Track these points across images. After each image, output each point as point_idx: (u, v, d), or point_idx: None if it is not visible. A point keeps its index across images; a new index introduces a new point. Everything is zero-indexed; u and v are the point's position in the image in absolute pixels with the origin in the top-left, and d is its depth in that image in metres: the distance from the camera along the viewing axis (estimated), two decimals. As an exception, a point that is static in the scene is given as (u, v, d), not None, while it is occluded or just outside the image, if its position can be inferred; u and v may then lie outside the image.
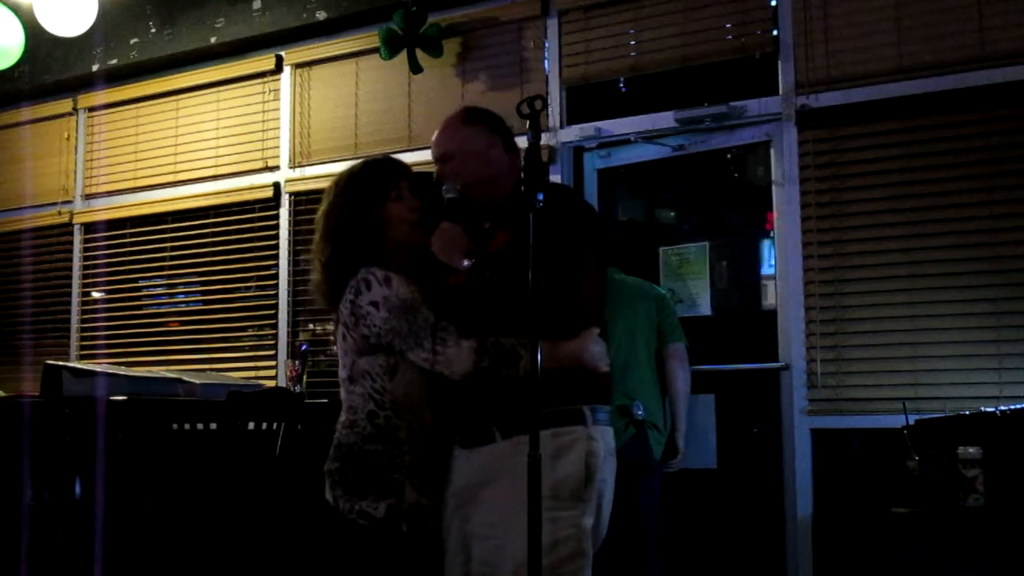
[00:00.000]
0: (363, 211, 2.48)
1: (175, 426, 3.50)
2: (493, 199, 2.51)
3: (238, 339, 5.50)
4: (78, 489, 3.45)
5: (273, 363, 5.30)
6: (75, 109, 6.11)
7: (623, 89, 4.70)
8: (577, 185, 4.70)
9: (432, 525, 2.39)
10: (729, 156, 4.66)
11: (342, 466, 2.42)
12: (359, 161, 2.65)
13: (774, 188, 4.26)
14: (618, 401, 3.77)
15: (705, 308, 4.41)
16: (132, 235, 5.86)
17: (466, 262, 2.37)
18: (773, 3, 4.28)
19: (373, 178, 2.53)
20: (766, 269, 4.45)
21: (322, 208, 2.57)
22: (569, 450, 2.28)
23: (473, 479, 2.35)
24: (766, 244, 4.44)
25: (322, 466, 2.48)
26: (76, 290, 5.98)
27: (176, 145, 5.78)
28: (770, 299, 4.37)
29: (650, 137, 4.52)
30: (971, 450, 3.17)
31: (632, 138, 4.55)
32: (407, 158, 4.75)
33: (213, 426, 3.55)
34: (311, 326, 5.31)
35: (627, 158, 4.68)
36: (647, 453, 3.81)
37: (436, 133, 2.58)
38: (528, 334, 2.13)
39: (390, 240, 2.49)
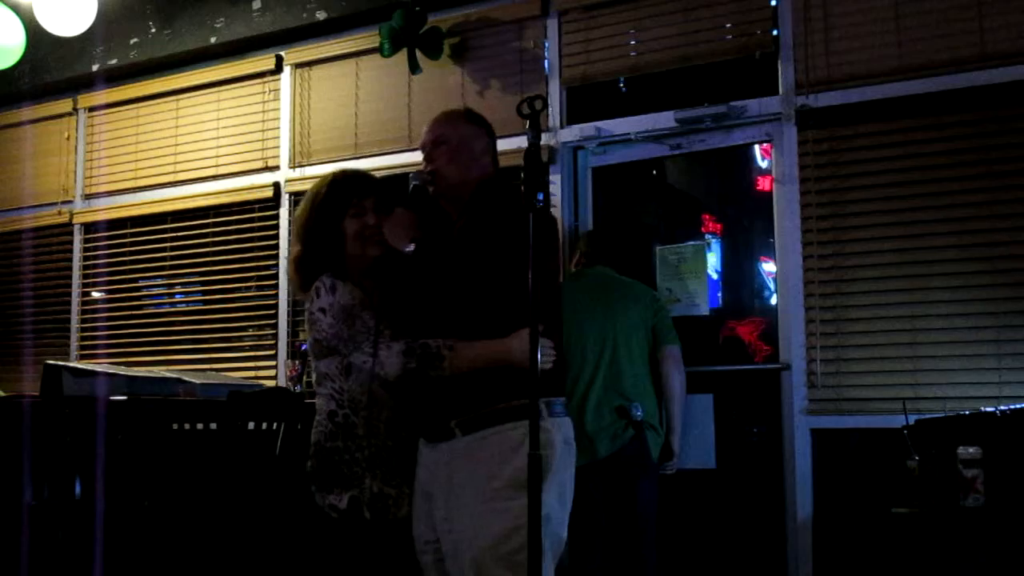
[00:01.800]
0: (325, 222, 2.66)
1: (175, 426, 3.50)
2: (460, 198, 2.58)
3: (238, 339, 5.50)
4: (78, 489, 3.44)
5: (273, 363, 5.30)
6: (75, 109, 6.11)
7: (623, 89, 4.70)
8: (574, 184, 4.70)
9: (400, 512, 2.52)
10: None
11: (313, 463, 2.59)
12: (336, 171, 2.81)
13: (774, 188, 4.26)
14: (616, 402, 3.78)
15: (703, 308, 4.41)
16: (132, 235, 5.86)
17: (410, 247, 2.50)
18: (773, 3, 4.28)
19: (339, 192, 2.69)
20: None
21: (297, 211, 2.78)
22: (523, 443, 2.31)
23: (435, 474, 2.44)
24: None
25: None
26: (76, 290, 5.98)
27: (176, 145, 5.78)
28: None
29: (650, 137, 4.52)
30: (971, 450, 3.17)
31: (633, 138, 4.55)
32: (407, 158, 4.86)
33: (213, 426, 3.55)
34: (311, 326, 5.31)
35: (623, 156, 4.67)
36: (646, 454, 3.81)
37: (434, 121, 2.69)
38: (468, 331, 2.26)
39: (347, 251, 2.65)
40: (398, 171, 3.22)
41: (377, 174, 2.89)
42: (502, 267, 2.33)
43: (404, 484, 2.52)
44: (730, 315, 4.47)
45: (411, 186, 2.60)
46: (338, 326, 2.51)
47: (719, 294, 4.51)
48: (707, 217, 4.58)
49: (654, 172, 4.72)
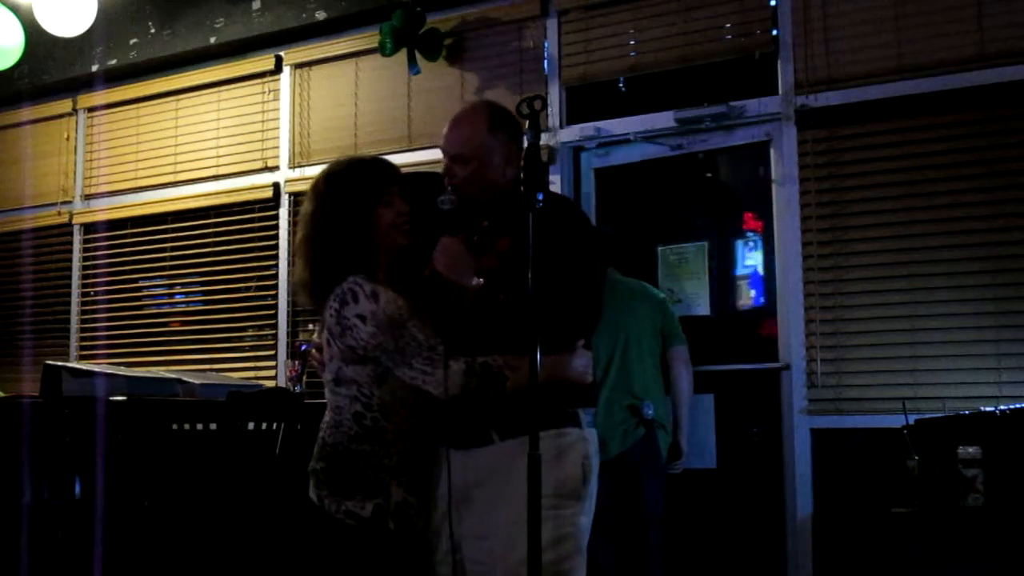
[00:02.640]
0: (352, 215, 2.41)
1: (175, 426, 3.50)
2: (492, 203, 2.47)
3: (238, 339, 5.50)
4: (78, 489, 3.44)
5: (273, 363, 5.30)
6: (75, 109, 6.11)
7: (623, 89, 4.70)
8: (575, 185, 4.70)
9: (419, 523, 2.39)
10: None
11: (327, 466, 2.39)
12: (345, 159, 2.57)
13: (774, 188, 4.26)
14: (626, 401, 3.77)
15: (704, 308, 4.40)
16: (132, 235, 5.86)
17: (476, 280, 2.32)
18: (773, 3, 4.28)
19: (363, 181, 2.45)
20: (740, 270, 4.46)
21: (308, 207, 2.49)
22: (569, 450, 2.33)
23: (468, 480, 2.35)
24: (739, 244, 4.47)
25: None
26: (76, 290, 5.99)
27: (176, 145, 5.78)
28: (743, 299, 4.42)
29: (650, 137, 4.52)
30: (971, 450, 3.17)
31: (632, 138, 4.55)
32: (407, 158, 4.87)
33: (213, 426, 3.54)
34: (311, 326, 5.30)
35: (625, 157, 4.67)
36: (656, 453, 3.81)
37: (456, 127, 2.47)
38: (523, 347, 2.13)
39: (378, 246, 2.43)
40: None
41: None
42: (557, 283, 2.23)
43: (422, 494, 2.39)
44: (769, 315, 4.44)
45: (443, 211, 2.43)
46: (381, 337, 2.29)
47: (763, 292, 4.45)
48: (749, 215, 4.53)
49: (707, 174, 4.68)
